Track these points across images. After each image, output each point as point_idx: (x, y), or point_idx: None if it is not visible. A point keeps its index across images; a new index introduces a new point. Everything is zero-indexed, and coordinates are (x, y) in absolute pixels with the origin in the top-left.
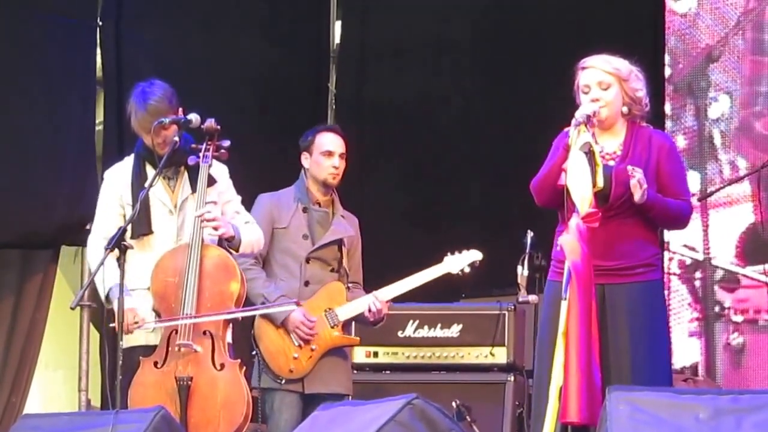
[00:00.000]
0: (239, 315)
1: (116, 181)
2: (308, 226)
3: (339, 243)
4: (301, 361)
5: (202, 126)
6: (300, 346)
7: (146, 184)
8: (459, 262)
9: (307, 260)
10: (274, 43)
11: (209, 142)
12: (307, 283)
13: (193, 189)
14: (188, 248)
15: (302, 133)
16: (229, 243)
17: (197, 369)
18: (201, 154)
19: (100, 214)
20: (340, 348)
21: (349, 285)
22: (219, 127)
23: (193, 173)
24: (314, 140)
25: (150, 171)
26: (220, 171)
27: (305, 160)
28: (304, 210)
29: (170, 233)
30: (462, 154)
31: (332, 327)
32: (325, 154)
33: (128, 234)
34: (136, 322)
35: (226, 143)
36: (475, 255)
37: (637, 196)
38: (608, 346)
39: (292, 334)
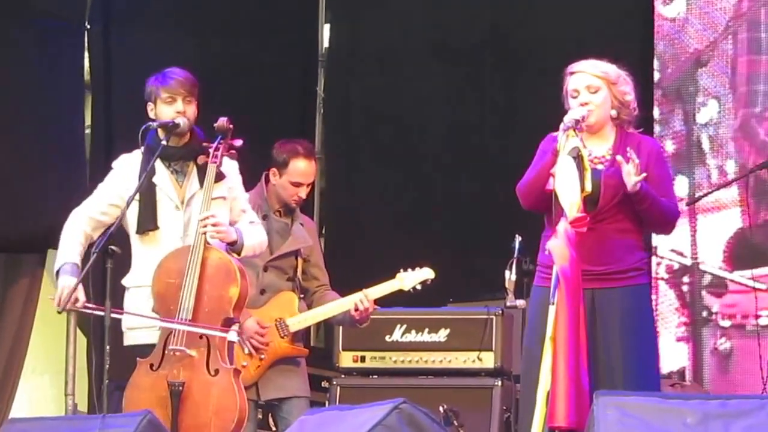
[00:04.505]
0: (230, 337)
1: (125, 172)
2: (267, 234)
3: (296, 252)
4: (249, 370)
5: (214, 124)
6: (250, 354)
7: (154, 179)
8: (411, 279)
9: (265, 269)
10: (262, 46)
11: (221, 141)
12: (262, 292)
13: (201, 185)
14: (190, 250)
15: (290, 137)
16: (231, 247)
17: (191, 374)
18: (211, 153)
19: (96, 194)
20: (290, 357)
21: (316, 290)
22: (231, 126)
23: (202, 169)
24: (288, 164)
25: (159, 165)
26: (230, 166)
27: (274, 175)
28: (264, 217)
29: (177, 229)
30: (450, 159)
31: (282, 337)
32: (296, 184)
33: (133, 229)
34: (76, 301)
35: (238, 143)
36: (427, 273)
37: (630, 183)
38: (598, 350)
39: (244, 343)
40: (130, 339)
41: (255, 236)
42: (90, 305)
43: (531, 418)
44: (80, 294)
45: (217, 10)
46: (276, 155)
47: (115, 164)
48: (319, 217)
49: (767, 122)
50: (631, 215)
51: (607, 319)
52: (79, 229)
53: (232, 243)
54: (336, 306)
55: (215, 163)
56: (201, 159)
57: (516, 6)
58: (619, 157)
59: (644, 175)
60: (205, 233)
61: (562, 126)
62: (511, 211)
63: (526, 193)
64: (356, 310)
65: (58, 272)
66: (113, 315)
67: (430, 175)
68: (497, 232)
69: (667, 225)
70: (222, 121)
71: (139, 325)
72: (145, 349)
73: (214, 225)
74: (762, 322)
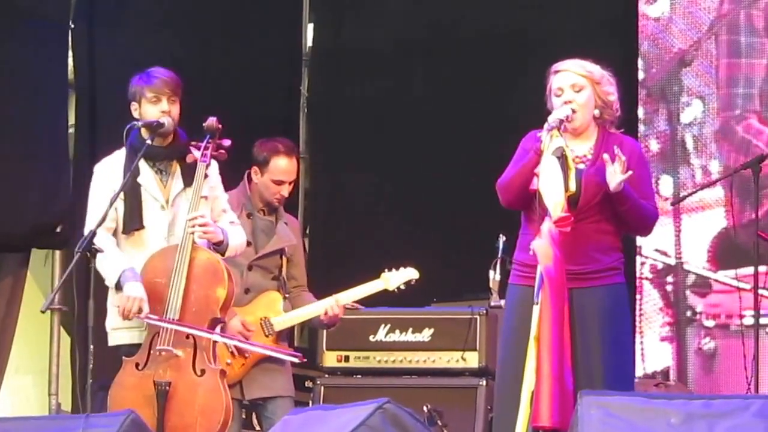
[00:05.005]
0: (220, 339)
1: (108, 175)
2: (252, 233)
3: (281, 251)
4: (233, 368)
5: (203, 124)
6: (233, 353)
7: (139, 178)
8: (396, 279)
9: (250, 267)
10: (246, 46)
11: (209, 141)
12: (247, 291)
13: (186, 184)
14: (178, 250)
15: (274, 136)
16: (216, 247)
17: (177, 374)
18: (200, 153)
19: (94, 207)
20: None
21: (292, 290)
22: (221, 125)
23: (186, 168)
24: (269, 163)
25: (143, 165)
26: (212, 166)
27: (255, 174)
28: (249, 216)
29: (162, 228)
30: (434, 158)
31: (267, 336)
32: (277, 182)
33: (119, 229)
34: (140, 311)
35: (227, 143)
36: (411, 273)
37: (615, 182)
38: (577, 349)
39: (228, 344)
40: (115, 339)
41: (237, 237)
42: (152, 316)
43: (508, 415)
44: (144, 305)
45: (201, 9)
46: (257, 154)
47: (96, 168)
48: (304, 217)
49: (746, 124)
50: (609, 216)
51: (585, 318)
52: (108, 242)
53: (218, 243)
54: (312, 309)
55: (205, 162)
56: (190, 158)
57: (500, 5)
58: (605, 156)
59: (630, 173)
60: (193, 233)
61: (546, 126)
62: (495, 212)
63: (507, 191)
64: (326, 314)
65: (117, 284)
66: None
67: (414, 174)
68: (481, 232)
69: (645, 228)
70: (211, 121)
71: (123, 325)
72: (129, 349)
73: (202, 225)
74: (746, 322)
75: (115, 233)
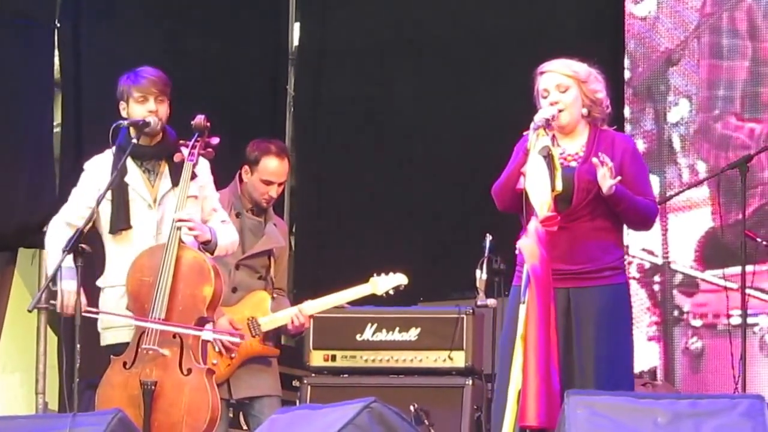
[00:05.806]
0: (205, 336)
1: (97, 173)
2: (240, 232)
3: (269, 252)
4: (219, 368)
5: (191, 122)
6: (220, 352)
7: (126, 178)
8: (384, 284)
9: (237, 267)
10: (232, 44)
11: (198, 139)
12: (234, 290)
13: (174, 183)
14: (164, 249)
15: (260, 135)
16: (204, 246)
17: (163, 373)
18: (188, 151)
19: (72, 200)
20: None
21: (274, 294)
22: (209, 123)
23: (174, 167)
24: (259, 162)
25: (131, 164)
26: (202, 165)
27: (246, 173)
28: (237, 215)
29: (149, 228)
30: (421, 157)
31: (254, 336)
32: (266, 182)
33: (106, 229)
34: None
35: (215, 141)
36: (400, 279)
37: (606, 186)
38: (572, 349)
39: (216, 342)
40: (107, 339)
41: (227, 235)
42: (92, 309)
43: (503, 417)
44: (83, 298)
45: (188, 8)
46: (249, 153)
47: (86, 165)
48: (290, 216)
49: (726, 126)
50: (606, 213)
51: (582, 318)
52: (62, 237)
53: (206, 242)
54: (280, 317)
55: (192, 161)
56: (178, 157)
57: (487, 3)
58: (594, 160)
59: (619, 178)
60: (179, 229)
61: (532, 125)
62: (482, 210)
63: (499, 194)
64: (291, 323)
65: (53, 279)
66: (87, 315)
67: (401, 173)
68: (468, 232)
69: (645, 223)
70: (199, 119)
71: (114, 324)
72: (122, 348)
73: (188, 224)
74: (733, 321)
75: (88, 232)
